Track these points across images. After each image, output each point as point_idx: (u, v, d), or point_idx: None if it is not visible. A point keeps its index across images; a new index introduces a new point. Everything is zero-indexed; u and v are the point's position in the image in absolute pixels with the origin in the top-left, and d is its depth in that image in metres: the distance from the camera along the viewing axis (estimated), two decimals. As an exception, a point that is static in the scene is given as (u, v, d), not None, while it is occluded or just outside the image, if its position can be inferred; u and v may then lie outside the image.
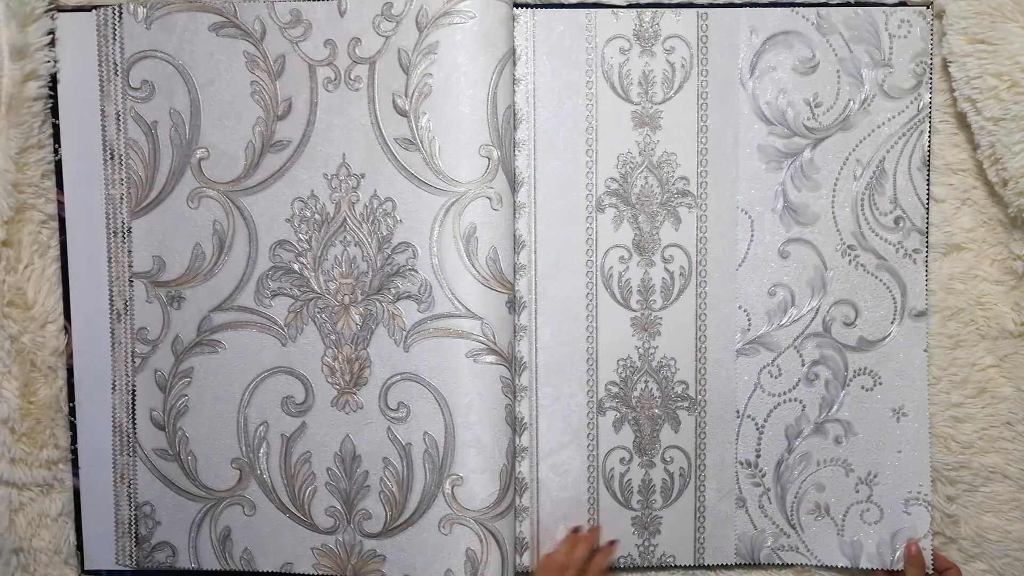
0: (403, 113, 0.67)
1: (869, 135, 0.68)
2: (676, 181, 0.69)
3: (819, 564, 0.69)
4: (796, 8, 0.68)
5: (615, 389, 0.70)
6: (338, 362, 0.69)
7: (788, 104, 0.68)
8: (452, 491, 0.68)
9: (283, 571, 0.70)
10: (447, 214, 0.67)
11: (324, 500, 0.69)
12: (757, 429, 0.69)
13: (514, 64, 0.67)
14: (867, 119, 0.68)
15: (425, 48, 0.66)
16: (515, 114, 0.68)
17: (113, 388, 0.70)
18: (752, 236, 0.69)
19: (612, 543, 0.70)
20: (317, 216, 0.68)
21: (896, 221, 0.69)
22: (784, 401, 0.69)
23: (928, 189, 0.69)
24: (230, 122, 0.68)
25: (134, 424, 0.70)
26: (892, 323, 0.69)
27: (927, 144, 0.68)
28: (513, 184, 0.67)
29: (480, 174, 0.66)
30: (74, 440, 0.70)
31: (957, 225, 0.69)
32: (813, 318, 0.69)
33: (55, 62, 0.67)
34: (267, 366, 0.69)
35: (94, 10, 0.68)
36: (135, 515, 0.70)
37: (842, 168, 0.68)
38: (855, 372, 0.69)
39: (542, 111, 0.68)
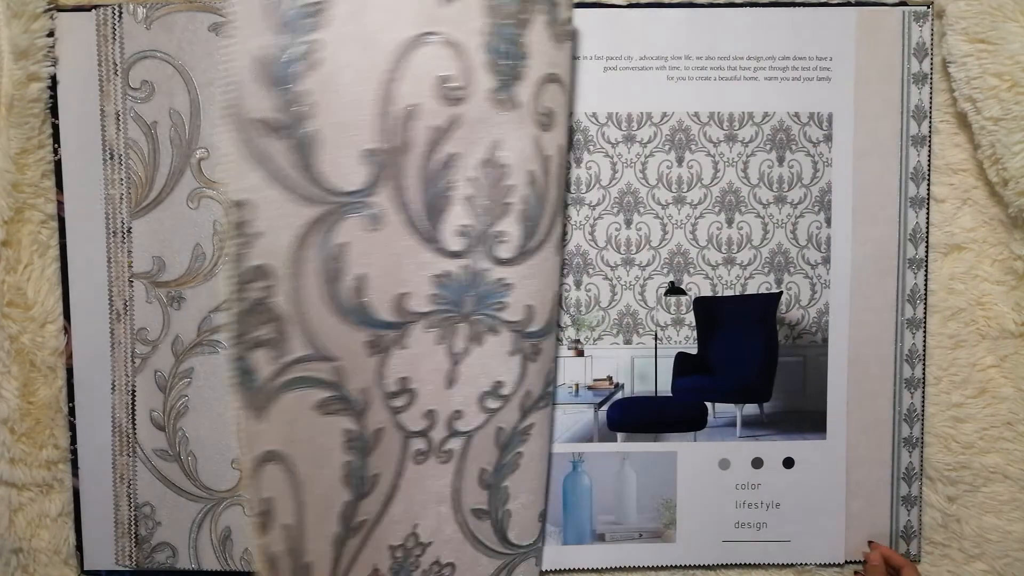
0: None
1: (869, 135, 0.68)
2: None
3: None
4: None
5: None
6: (338, 362, 0.68)
7: (788, 104, 0.68)
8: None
9: (283, 571, 0.70)
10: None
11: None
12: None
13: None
14: (867, 119, 0.68)
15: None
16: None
17: (113, 388, 0.70)
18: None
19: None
20: (317, 216, 0.68)
21: (896, 221, 0.69)
22: None
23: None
24: (230, 122, 0.68)
25: (134, 424, 0.70)
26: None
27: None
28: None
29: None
30: (74, 440, 0.70)
31: (957, 225, 0.69)
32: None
33: (55, 62, 0.67)
34: (267, 366, 0.69)
35: (94, 10, 0.67)
36: (135, 515, 0.70)
37: (842, 168, 0.69)
38: None
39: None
